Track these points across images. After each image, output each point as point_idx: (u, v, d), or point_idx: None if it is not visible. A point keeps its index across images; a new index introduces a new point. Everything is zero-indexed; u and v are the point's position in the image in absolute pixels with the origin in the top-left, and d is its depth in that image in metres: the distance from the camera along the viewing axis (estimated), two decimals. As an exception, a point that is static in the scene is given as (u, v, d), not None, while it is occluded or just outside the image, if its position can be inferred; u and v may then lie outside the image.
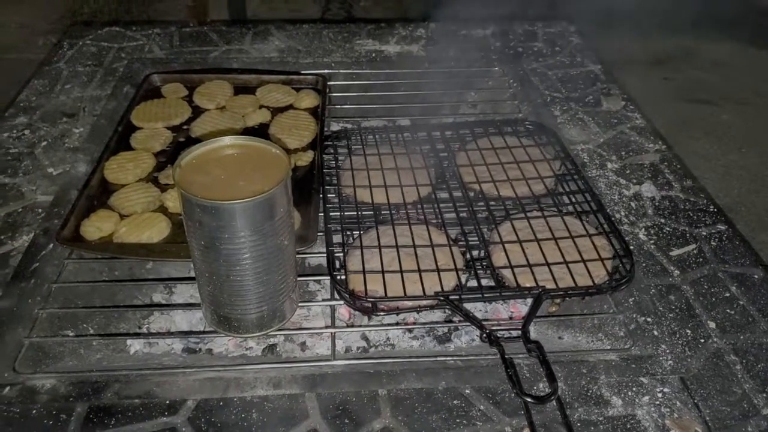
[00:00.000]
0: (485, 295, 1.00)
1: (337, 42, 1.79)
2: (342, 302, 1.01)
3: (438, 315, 1.12)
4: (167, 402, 0.88)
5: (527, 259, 1.04)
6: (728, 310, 1.03)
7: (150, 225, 1.10)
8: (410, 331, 1.09)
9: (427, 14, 1.89)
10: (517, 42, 1.82)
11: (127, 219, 1.11)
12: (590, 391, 0.91)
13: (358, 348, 1.08)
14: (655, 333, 0.99)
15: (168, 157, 1.29)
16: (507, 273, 1.03)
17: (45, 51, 1.78)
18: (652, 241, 1.16)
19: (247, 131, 1.37)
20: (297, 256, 0.97)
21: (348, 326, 1.10)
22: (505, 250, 1.06)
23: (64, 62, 1.66)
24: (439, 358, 0.96)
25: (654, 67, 3.28)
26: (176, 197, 1.15)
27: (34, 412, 0.86)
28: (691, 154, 2.67)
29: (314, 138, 1.34)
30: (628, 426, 0.86)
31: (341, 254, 1.07)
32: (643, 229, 1.19)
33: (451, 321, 1.11)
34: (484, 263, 1.06)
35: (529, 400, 0.83)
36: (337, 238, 1.09)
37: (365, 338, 1.09)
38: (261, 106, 1.45)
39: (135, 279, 1.17)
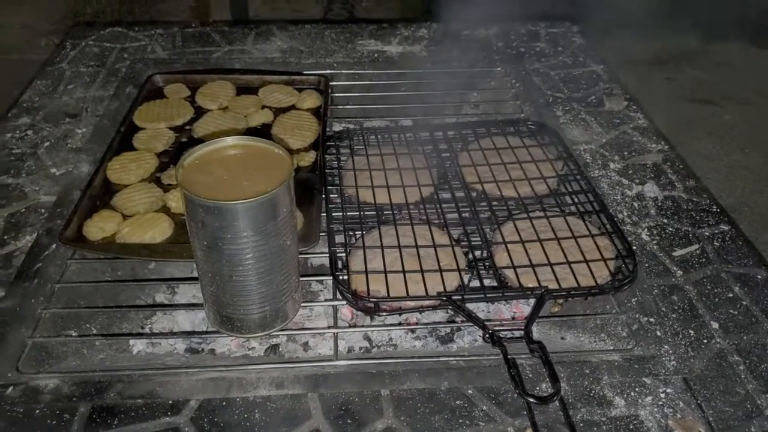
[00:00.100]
0: (488, 295, 1.00)
1: (339, 42, 1.79)
2: (344, 302, 1.01)
3: (440, 315, 1.12)
4: (170, 402, 0.88)
5: (530, 260, 1.04)
6: (731, 311, 1.03)
7: (153, 225, 1.10)
8: (413, 331, 1.09)
9: (429, 15, 1.89)
10: (520, 42, 1.82)
11: (130, 219, 1.12)
12: (593, 392, 0.90)
13: (360, 348, 1.08)
14: (658, 333, 0.99)
15: (170, 157, 1.29)
16: (509, 273, 1.03)
17: (48, 51, 1.78)
18: (654, 242, 1.16)
19: (250, 131, 1.37)
20: (299, 256, 0.97)
21: (350, 326, 1.10)
22: (508, 251, 1.06)
23: (67, 63, 1.66)
24: (441, 359, 0.96)
25: (656, 67, 3.28)
26: (179, 197, 1.15)
27: (37, 412, 0.86)
28: (694, 154, 2.67)
29: (316, 138, 1.34)
30: (631, 427, 0.86)
31: (344, 254, 1.07)
32: (646, 230, 1.19)
33: (453, 321, 1.11)
34: (487, 263, 1.06)
35: (531, 400, 0.83)
36: (339, 239, 1.09)
37: (368, 338, 1.09)
38: (263, 107, 1.45)
39: (138, 279, 1.17)
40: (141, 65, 1.65)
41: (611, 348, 1.01)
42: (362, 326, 1.09)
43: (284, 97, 1.48)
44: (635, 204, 1.25)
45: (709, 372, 0.94)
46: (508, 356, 0.88)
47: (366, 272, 1.01)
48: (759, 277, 1.09)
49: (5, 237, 1.13)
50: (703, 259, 1.13)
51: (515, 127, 1.38)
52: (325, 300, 1.13)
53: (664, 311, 1.03)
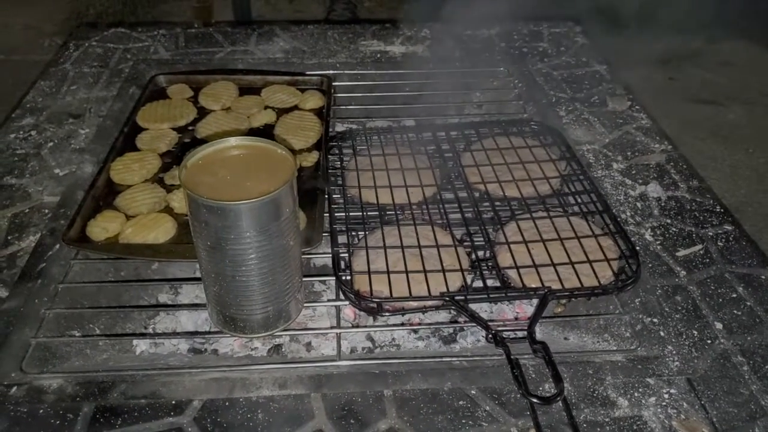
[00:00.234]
0: (491, 295, 1.00)
1: (341, 43, 1.79)
2: (347, 303, 1.01)
3: (443, 315, 1.12)
4: (173, 402, 0.88)
5: (533, 260, 1.04)
6: (735, 311, 1.03)
7: (156, 225, 1.10)
8: (415, 331, 1.09)
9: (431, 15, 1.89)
10: (522, 42, 1.82)
11: (133, 219, 1.12)
12: (596, 392, 0.90)
13: (363, 348, 1.08)
14: (662, 334, 0.99)
15: (173, 157, 1.29)
16: (512, 273, 1.03)
17: (51, 52, 1.79)
18: (658, 242, 1.16)
19: (253, 132, 1.37)
20: (302, 256, 0.97)
21: (353, 327, 1.10)
22: (511, 251, 1.06)
23: (70, 63, 1.66)
24: (444, 359, 0.96)
25: (660, 67, 3.27)
26: (182, 198, 1.14)
27: (41, 411, 0.86)
28: (697, 154, 2.66)
29: (319, 138, 1.34)
30: (635, 427, 0.86)
31: (346, 255, 1.07)
32: (649, 230, 1.19)
33: (456, 321, 1.11)
34: (490, 264, 1.06)
35: (534, 400, 0.83)
36: (342, 239, 1.09)
37: (370, 339, 1.09)
38: (266, 107, 1.45)
39: (141, 279, 1.17)
40: (144, 66, 1.65)
41: (614, 348, 1.01)
42: (365, 326, 1.09)
43: (287, 97, 1.48)
44: (638, 204, 1.25)
45: (713, 372, 0.93)
46: (511, 356, 0.88)
47: (369, 272, 1.01)
48: (763, 277, 1.09)
49: (9, 237, 1.14)
50: (707, 260, 1.12)
51: (518, 128, 1.38)
52: (328, 300, 1.13)
53: (667, 312, 1.02)
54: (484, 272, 1.04)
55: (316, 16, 3.74)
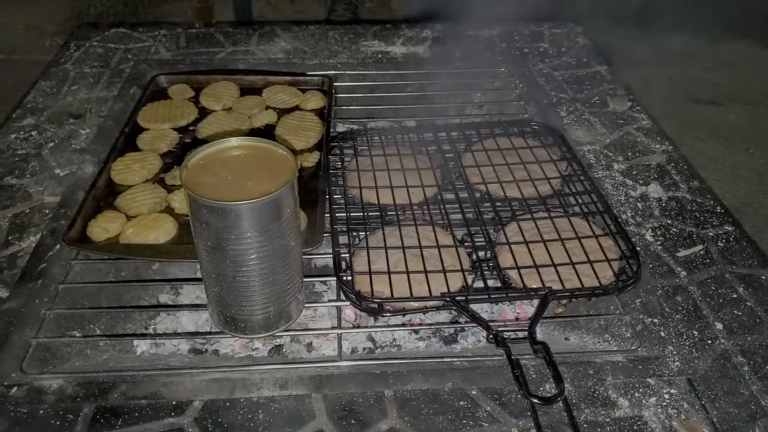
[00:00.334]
0: (491, 296, 1.00)
1: (342, 43, 1.79)
2: (348, 303, 1.01)
3: (444, 316, 1.12)
4: (174, 402, 0.88)
5: (534, 260, 1.04)
6: (735, 312, 1.03)
7: (156, 226, 1.10)
8: (416, 332, 1.09)
9: (432, 15, 1.89)
10: (524, 43, 1.82)
11: (134, 220, 1.12)
12: (597, 393, 0.90)
13: (364, 349, 1.08)
14: (662, 334, 0.99)
15: (174, 158, 1.29)
16: (513, 274, 1.03)
17: (52, 52, 1.79)
18: (658, 242, 1.16)
19: (254, 132, 1.37)
20: (303, 256, 0.97)
21: (354, 327, 1.10)
22: (512, 251, 1.06)
23: (71, 64, 1.66)
24: (445, 359, 0.96)
25: (660, 67, 3.27)
26: (183, 198, 1.15)
27: (41, 412, 0.86)
28: (698, 154, 2.66)
29: (320, 139, 1.34)
30: (635, 427, 0.86)
31: (347, 255, 1.07)
32: (650, 230, 1.19)
33: (457, 322, 1.11)
34: (491, 264, 1.06)
35: (535, 401, 0.83)
36: (343, 239, 1.09)
37: (371, 339, 1.09)
38: (267, 107, 1.45)
39: (141, 280, 1.17)
40: (145, 66, 1.65)
41: (615, 349, 1.01)
42: (366, 327, 1.09)
43: (288, 97, 1.48)
44: (639, 204, 1.25)
45: (714, 373, 0.93)
46: (512, 357, 0.88)
47: (370, 273, 1.01)
48: (763, 277, 1.09)
49: (9, 238, 1.14)
50: (708, 260, 1.12)
51: (519, 128, 1.38)
52: (329, 301, 1.13)
53: (668, 312, 1.02)
54: (485, 272, 1.04)
55: (317, 16, 3.74)
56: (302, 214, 1.09)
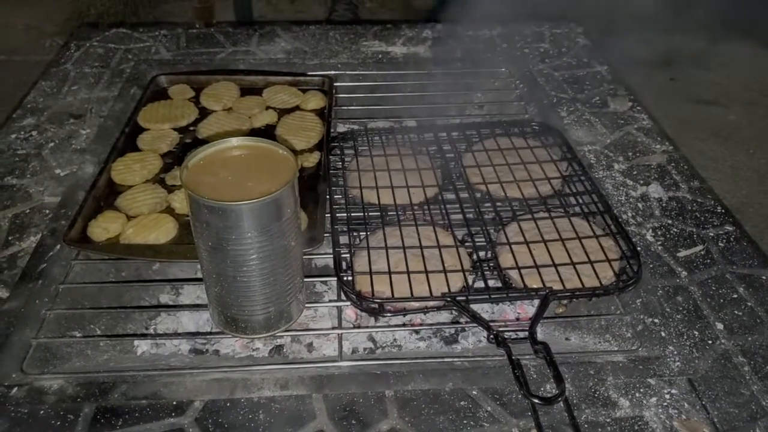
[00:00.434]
0: (492, 296, 1.00)
1: (343, 43, 1.79)
2: (349, 303, 1.01)
3: (445, 316, 1.12)
4: (174, 403, 0.88)
5: (534, 260, 1.04)
6: (736, 312, 1.03)
7: (157, 226, 1.10)
8: (417, 332, 1.09)
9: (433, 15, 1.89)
10: (524, 43, 1.82)
11: (134, 220, 1.12)
12: (597, 393, 0.90)
13: (364, 349, 1.08)
14: (663, 334, 0.99)
15: (175, 158, 1.29)
16: (514, 274, 1.03)
17: (52, 53, 1.79)
18: (659, 242, 1.16)
19: (254, 132, 1.37)
20: (304, 257, 0.97)
21: (355, 327, 1.10)
22: (512, 251, 1.06)
23: (71, 64, 1.66)
24: (446, 359, 0.96)
25: (661, 67, 3.27)
26: (183, 198, 1.15)
27: (41, 412, 0.86)
28: (699, 154, 2.66)
29: (321, 139, 1.34)
30: (636, 428, 0.86)
31: (348, 255, 1.06)
32: (651, 230, 1.19)
33: (457, 322, 1.11)
34: (491, 264, 1.06)
35: (536, 401, 0.83)
36: (343, 239, 1.09)
37: (372, 339, 1.09)
38: (267, 108, 1.45)
39: (142, 280, 1.17)
40: (145, 66, 1.65)
41: (616, 349, 1.01)
42: (366, 327, 1.09)
43: (288, 98, 1.48)
44: (640, 205, 1.25)
45: (714, 373, 0.93)
46: (513, 357, 0.88)
47: (370, 273, 1.01)
48: (764, 277, 1.09)
49: (10, 238, 1.14)
50: (708, 260, 1.12)
51: (519, 128, 1.38)
52: (330, 301, 1.13)
53: (668, 312, 1.02)
54: (485, 273, 1.03)
55: (318, 16, 3.74)
56: (303, 214, 1.09)
